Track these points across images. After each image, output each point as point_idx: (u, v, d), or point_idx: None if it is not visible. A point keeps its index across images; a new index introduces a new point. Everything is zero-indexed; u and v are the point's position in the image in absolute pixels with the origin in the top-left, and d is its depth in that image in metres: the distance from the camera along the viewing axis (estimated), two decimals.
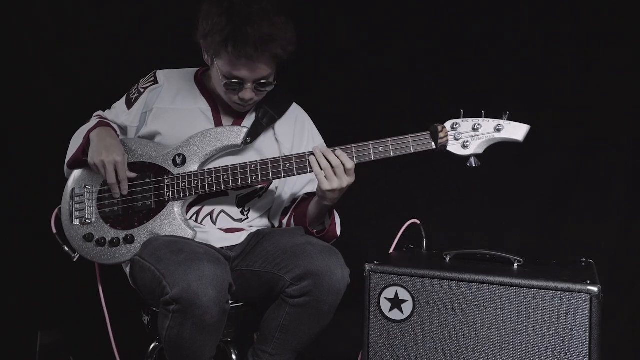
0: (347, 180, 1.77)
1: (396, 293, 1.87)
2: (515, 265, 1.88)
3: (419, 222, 2.10)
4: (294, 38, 1.81)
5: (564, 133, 2.55)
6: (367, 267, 1.90)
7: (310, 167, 1.79)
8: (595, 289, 1.68)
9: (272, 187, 2.01)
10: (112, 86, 2.10)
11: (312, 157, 1.79)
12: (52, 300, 2.76)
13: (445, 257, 1.98)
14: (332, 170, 1.76)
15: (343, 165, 1.76)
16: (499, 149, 2.61)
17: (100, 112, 2.10)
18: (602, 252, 2.41)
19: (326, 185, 1.76)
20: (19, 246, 2.75)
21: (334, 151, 1.77)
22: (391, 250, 2.10)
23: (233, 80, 1.81)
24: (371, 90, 2.73)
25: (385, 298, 1.88)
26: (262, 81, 1.83)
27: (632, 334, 2.51)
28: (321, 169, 1.77)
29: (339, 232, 2.01)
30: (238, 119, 1.99)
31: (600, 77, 2.50)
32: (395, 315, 1.87)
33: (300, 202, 2.04)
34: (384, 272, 1.88)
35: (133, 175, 1.90)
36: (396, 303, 1.87)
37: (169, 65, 2.09)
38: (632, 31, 2.45)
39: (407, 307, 1.86)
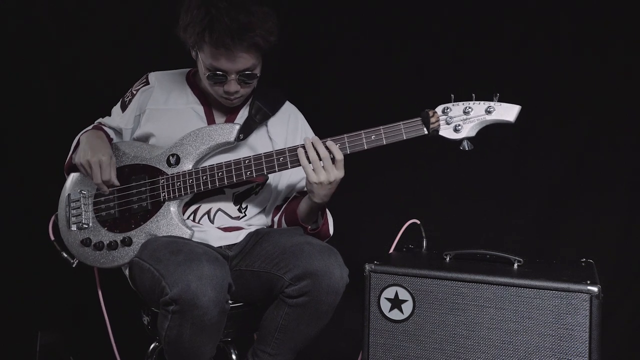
0: (334, 174, 1.76)
1: (396, 293, 1.87)
2: (516, 265, 1.88)
3: (419, 222, 2.10)
4: (275, 28, 1.80)
5: (564, 133, 2.55)
6: (367, 267, 1.90)
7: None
8: (595, 289, 1.68)
9: (268, 182, 2.01)
10: (113, 87, 2.10)
11: (300, 149, 1.78)
12: (52, 301, 2.76)
13: (445, 257, 1.98)
14: (319, 163, 1.76)
15: (332, 156, 1.75)
16: (498, 149, 2.63)
17: (100, 119, 2.12)
18: (602, 252, 2.41)
19: (313, 178, 1.76)
20: (19, 246, 2.75)
21: (324, 142, 1.77)
22: (391, 250, 2.10)
23: (216, 72, 1.82)
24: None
25: (385, 298, 1.88)
26: (246, 72, 1.83)
27: (632, 334, 2.51)
28: (310, 162, 1.76)
29: (331, 231, 2.01)
30: (231, 116, 2.00)
31: (601, 77, 2.50)
32: (395, 315, 1.87)
33: (292, 200, 2.05)
34: (384, 272, 1.88)
35: (117, 184, 1.89)
36: (396, 303, 1.87)
37: (170, 66, 2.09)
38: (632, 31, 2.45)
39: (407, 307, 1.85)
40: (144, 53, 2.71)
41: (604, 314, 1.69)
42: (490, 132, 2.52)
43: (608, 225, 2.53)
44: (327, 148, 1.76)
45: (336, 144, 1.76)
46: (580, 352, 1.69)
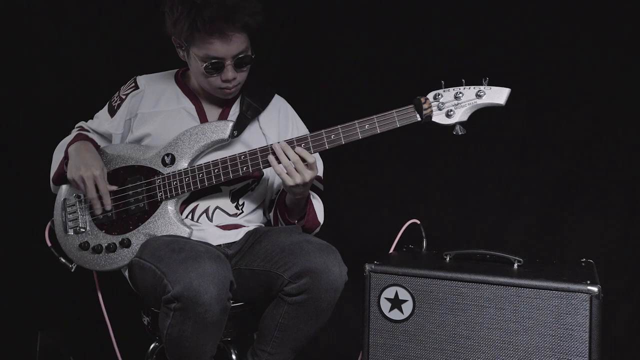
0: (309, 175, 1.79)
1: (396, 293, 1.87)
2: (515, 265, 1.88)
3: (419, 222, 2.11)
4: (259, 7, 1.83)
5: (564, 133, 2.55)
6: (367, 267, 1.90)
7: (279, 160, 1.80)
8: (595, 289, 1.68)
9: (263, 177, 2.02)
10: (113, 88, 2.10)
11: (270, 156, 1.80)
12: (52, 301, 2.76)
13: (445, 257, 1.98)
14: (293, 167, 1.78)
15: (304, 160, 1.78)
16: (498, 149, 2.63)
17: (82, 123, 2.11)
18: (602, 252, 2.41)
19: (289, 181, 1.78)
20: (20, 246, 2.75)
21: (293, 147, 1.79)
22: (391, 250, 2.10)
23: (212, 62, 1.82)
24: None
25: (385, 298, 1.88)
26: (240, 55, 1.84)
27: (632, 334, 2.51)
28: (279, 163, 1.79)
29: (320, 219, 2.02)
30: (223, 114, 2.00)
31: (601, 77, 2.50)
32: (395, 315, 1.87)
33: (281, 194, 2.05)
34: (384, 272, 1.89)
35: (114, 187, 1.90)
36: (396, 303, 1.87)
37: (171, 65, 2.09)
38: (633, 30, 2.45)
39: (407, 307, 1.86)
40: (144, 53, 2.71)
41: (604, 314, 1.70)
42: (491, 131, 2.54)
43: (608, 225, 2.53)
44: (296, 153, 1.78)
45: (324, 137, 1.77)
46: (580, 352, 1.69)
